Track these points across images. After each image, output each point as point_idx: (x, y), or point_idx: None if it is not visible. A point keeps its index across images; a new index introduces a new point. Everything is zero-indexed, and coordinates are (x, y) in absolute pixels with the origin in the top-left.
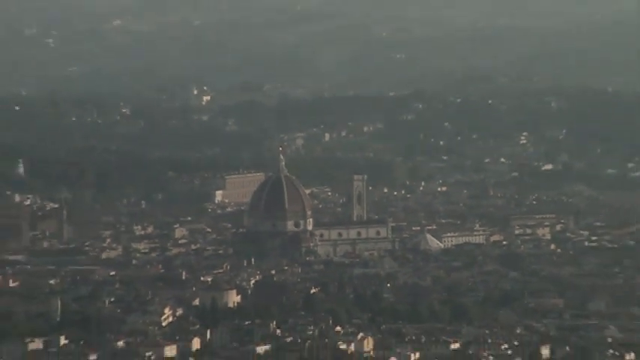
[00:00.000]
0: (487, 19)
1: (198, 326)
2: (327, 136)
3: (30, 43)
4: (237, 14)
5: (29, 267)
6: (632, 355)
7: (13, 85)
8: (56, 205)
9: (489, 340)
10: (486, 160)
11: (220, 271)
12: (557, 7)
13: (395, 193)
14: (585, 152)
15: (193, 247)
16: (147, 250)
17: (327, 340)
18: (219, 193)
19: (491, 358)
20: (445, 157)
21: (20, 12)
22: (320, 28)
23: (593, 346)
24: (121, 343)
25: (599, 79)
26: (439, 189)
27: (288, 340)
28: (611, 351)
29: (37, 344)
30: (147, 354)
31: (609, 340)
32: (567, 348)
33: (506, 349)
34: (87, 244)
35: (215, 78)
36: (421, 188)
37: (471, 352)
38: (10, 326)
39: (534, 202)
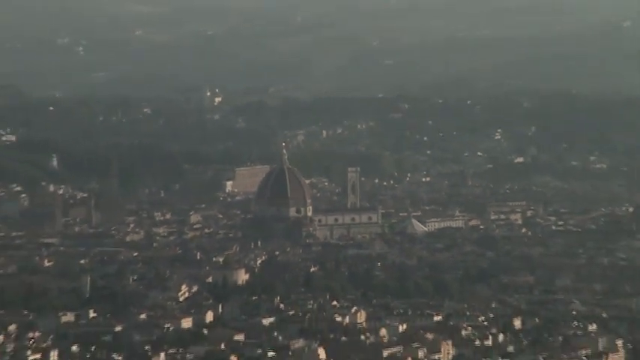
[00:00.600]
0: (466, 30)
1: (211, 301)
2: (324, 133)
3: (62, 51)
4: (245, 26)
5: (62, 248)
6: (594, 326)
7: (48, 88)
8: (86, 195)
9: (468, 313)
10: (465, 154)
11: (230, 252)
12: (527, 20)
13: (384, 183)
14: (552, 147)
15: (207, 231)
16: (166, 234)
17: (324, 313)
18: (229, 183)
19: (469, 329)
20: (428, 152)
21: (53, 24)
22: (318, 37)
23: (559, 318)
24: (143, 316)
25: (564, 83)
26: (423, 179)
27: (291, 313)
28: (575, 322)
29: (69, 317)
30: (165, 325)
31: (574, 312)
32: (536, 320)
33: (482, 320)
34: (113, 228)
35: (226, 82)
36: (407, 179)
37: (451, 323)
38: (45, 301)
39: (507, 191)
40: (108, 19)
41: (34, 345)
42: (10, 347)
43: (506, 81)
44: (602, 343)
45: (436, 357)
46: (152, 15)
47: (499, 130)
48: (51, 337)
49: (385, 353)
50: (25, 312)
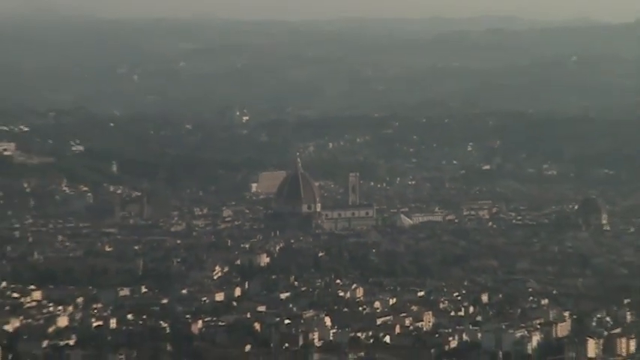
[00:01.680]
0: (443, 62)
1: (239, 279)
2: (330, 145)
3: (121, 79)
4: (266, 59)
5: (119, 237)
6: (546, 300)
7: (110, 108)
8: (139, 194)
9: (445, 290)
10: (443, 162)
11: (255, 240)
12: (493, 54)
13: (378, 185)
14: (513, 157)
15: (236, 223)
16: (203, 225)
17: (330, 289)
18: (254, 185)
19: (446, 302)
20: (414, 160)
21: (114, 58)
22: (324, 68)
23: (518, 294)
24: (184, 291)
25: (522, 105)
26: (409, 182)
27: (303, 289)
28: (531, 298)
29: (125, 292)
30: (202, 299)
31: (530, 290)
32: (500, 295)
33: (456, 296)
34: (160, 221)
35: (251, 103)
36: (397, 182)
37: (432, 297)
38: (106, 279)
39: (477, 192)
40: (158, 53)
41: (97, 314)
42: (78, 315)
43: (476, 103)
44: (552, 315)
45: (419, 324)
46: (193, 50)
47: (470, 143)
48: (110, 307)
49: (378, 321)
50: (90, 287)
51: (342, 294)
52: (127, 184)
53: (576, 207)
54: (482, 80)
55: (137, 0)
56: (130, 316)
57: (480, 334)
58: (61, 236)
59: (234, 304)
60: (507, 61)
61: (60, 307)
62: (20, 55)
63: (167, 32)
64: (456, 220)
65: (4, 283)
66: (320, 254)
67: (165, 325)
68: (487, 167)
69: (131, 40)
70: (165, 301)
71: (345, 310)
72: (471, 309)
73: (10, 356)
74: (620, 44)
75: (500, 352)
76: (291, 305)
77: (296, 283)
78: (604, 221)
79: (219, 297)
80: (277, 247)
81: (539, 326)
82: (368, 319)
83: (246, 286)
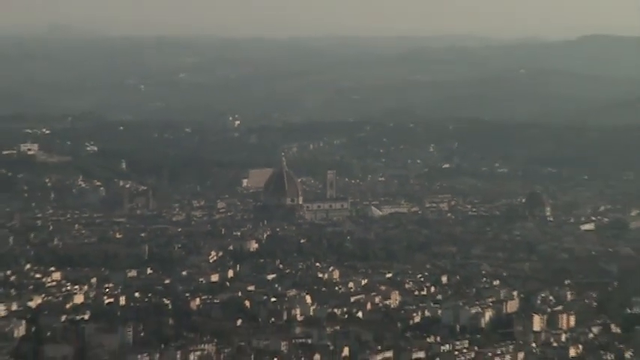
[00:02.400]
0: (410, 75)
1: (231, 262)
2: (311, 146)
3: (129, 88)
4: (256, 72)
5: (128, 225)
6: (498, 281)
7: (119, 114)
8: (145, 188)
9: (410, 272)
10: (408, 161)
11: (245, 228)
12: (452, 68)
13: (352, 181)
14: (469, 157)
15: (229, 214)
16: (200, 216)
17: (310, 271)
18: (245, 180)
19: (411, 283)
20: (383, 160)
21: (123, 70)
22: (308, 80)
23: (473, 276)
24: (184, 273)
25: (477, 113)
26: (379, 179)
27: (287, 271)
28: (484, 279)
29: (132, 273)
30: (200, 279)
31: (483, 272)
32: (457, 277)
33: (420, 277)
34: (164, 211)
35: (242, 110)
36: (368, 178)
37: (398, 279)
38: (116, 262)
39: (438, 188)
40: (161, 66)
41: (109, 292)
42: (92, 294)
43: (437, 111)
44: (502, 294)
45: (387, 302)
46: (192, 64)
47: (432, 145)
48: (120, 287)
49: (352, 299)
50: (102, 269)
51: (320, 275)
52: (135, 180)
53: (523, 200)
54: (443, 91)
55: (143, 19)
56: (137, 294)
57: (440, 311)
58: (77, 225)
59: (227, 284)
60: (465, 74)
61: (76, 287)
62: (42, 68)
63: (169, 48)
64: (420, 212)
65: (27, 266)
66: (302, 241)
67: (168, 302)
68: (447, 166)
69: (138, 55)
70: (167, 281)
71: (324, 289)
72: (432, 289)
73: (32, 329)
74: (563, 59)
75: (458, 326)
76: (276, 285)
77: (281, 266)
78: (547, 213)
79: (214, 278)
80: (265, 235)
81: (491, 304)
82: (343, 298)
83: (238, 268)
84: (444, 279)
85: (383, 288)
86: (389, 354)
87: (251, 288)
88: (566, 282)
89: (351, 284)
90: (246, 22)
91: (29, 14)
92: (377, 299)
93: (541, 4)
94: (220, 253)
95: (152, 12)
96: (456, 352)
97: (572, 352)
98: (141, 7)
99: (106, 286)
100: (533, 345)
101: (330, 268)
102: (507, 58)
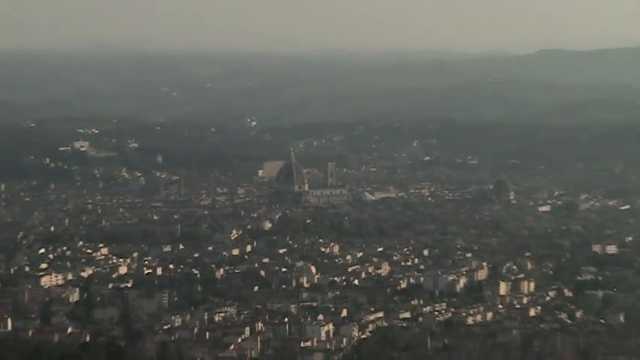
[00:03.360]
0: (397, 83)
1: (249, 239)
2: (315, 143)
3: (164, 95)
4: (269, 81)
5: (164, 209)
6: (470, 254)
7: (156, 116)
8: (177, 178)
9: (397, 246)
10: (396, 155)
11: (261, 211)
12: (430, 77)
13: (349, 171)
14: (445, 151)
15: (247, 198)
16: (223, 200)
17: (314, 246)
18: (260, 171)
19: (398, 255)
20: (375, 153)
21: (159, 79)
22: (312, 88)
23: (450, 249)
24: (210, 248)
25: (454, 113)
26: (372, 169)
27: (295, 246)
28: (459, 252)
29: (167, 248)
30: (223, 253)
31: (458, 246)
32: (436, 250)
33: (405, 251)
34: (193, 197)
35: (258, 113)
36: (363, 169)
37: (388, 252)
38: (154, 239)
39: (420, 176)
40: (191, 76)
41: (147, 264)
42: (134, 266)
43: (420, 113)
44: (474, 264)
45: (379, 271)
46: (216, 74)
47: (416, 141)
48: (157, 260)
49: (349, 269)
50: (142, 245)
51: (323, 250)
52: (169, 171)
53: (491, 187)
54: (424, 96)
55: (175, 36)
56: (171, 266)
57: (422, 278)
58: (121, 208)
59: (246, 257)
60: (442, 83)
61: (121, 260)
62: (91, 79)
63: (197, 61)
64: (405, 196)
65: (80, 242)
66: (307, 221)
67: (196, 272)
68: (427, 158)
69: (171, 68)
70: (196, 255)
71: (326, 261)
72: (416, 260)
73: (85, 295)
74: (523, 70)
75: (437, 291)
76: (286, 258)
77: (290, 242)
78: (511, 197)
79: (235, 252)
80: (277, 216)
81: (464, 272)
82: (342, 268)
83: (255, 244)
84: (426, 252)
85: (375, 260)
86: (380, 314)
87: (265, 260)
88: (527, 254)
89: (348, 257)
90: (259, 39)
91: (81, 33)
92: (370, 269)
93: (506, 23)
94: (240, 232)
95: (183, 31)
96: (436, 313)
97: (532, 312)
98: (173, 27)
99: (145, 259)
100: (500, 306)
101: (331, 244)
102: (478, 69)
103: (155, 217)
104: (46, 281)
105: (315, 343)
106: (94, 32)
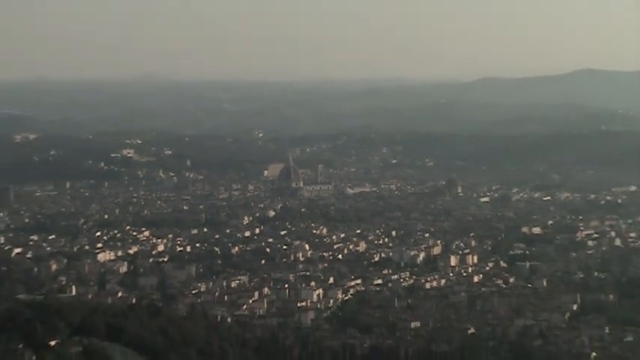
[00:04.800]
0: (371, 104)
1: (258, 224)
2: (308, 150)
3: (191, 114)
4: (271, 103)
5: (192, 201)
6: (428, 235)
7: (185, 130)
8: (202, 177)
9: (371, 229)
10: (370, 159)
11: (266, 202)
12: (398, 97)
13: (334, 171)
14: (409, 156)
15: (255, 193)
16: (237, 194)
17: (308, 229)
18: (266, 172)
19: (372, 235)
20: (354, 157)
21: (187, 102)
22: (305, 108)
23: (412, 231)
24: (227, 231)
25: (416, 127)
26: (352, 170)
27: (293, 229)
28: (419, 233)
29: (195, 231)
30: (238, 235)
31: (418, 229)
32: (402, 232)
33: (378, 232)
34: (214, 192)
35: (264, 127)
36: (344, 169)
37: (364, 233)
38: (184, 224)
39: (389, 175)
40: (211, 99)
41: (179, 243)
42: (169, 245)
43: (389, 127)
44: (431, 242)
45: (358, 248)
46: (230, 98)
47: (385, 149)
48: (187, 240)
49: (335, 247)
50: (175, 229)
51: (315, 232)
52: (195, 172)
53: (443, 183)
54: (393, 114)
55: (199, 69)
56: (197, 245)
57: (391, 253)
58: (159, 201)
59: (255, 237)
60: (406, 104)
61: (159, 240)
62: (135, 101)
63: (217, 87)
64: (377, 191)
65: (128, 227)
66: (302, 210)
67: (217, 249)
68: (394, 161)
69: (197, 93)
70: (217, 236)
71: (317, 240)
72: (386, 239)
73: (131, 267)
74: (467, 93)
75: (402, 263)
76: (286, 238)
77: (289, 225)
78: (459, 191)
79: (247, 234)
80: (279, 206)
81: (423, 248)
82: (329, 245)
83: (262, 228)
84: (393, 233)
85: (354, 239)
86: (358, 281)
87: (270, 240)
88: (471, 234)
89: (334, 237)
90: (262, 71)
91: (127, 67)
92: (351, 246)
93: (453, 56)
94: (250, 218)
95: (205, 65)
96: (401, 280)
97: (475, 279)
98: (198, 62)
99: (178, 239)
100: (451, 274)
101: (321, 227)
102: (432, 92)
103: (185, 207)
104: (101, 257)
105: (308, 304)
106: (138, 65)
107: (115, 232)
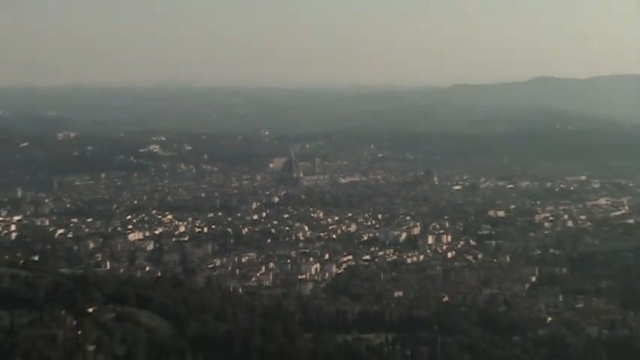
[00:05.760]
0: (360, 107)
1: (264, 209)
2: (307, 146)
3: (207, 116)
4: (275, 106)
5: (208, 189)
6: (408, 217)
7: (202, 129)
8: (216, 169)
9: (361, 212)
10: (360, 153)
11: (272, 190)
12: (384, 103)
13: (329, 164)
14: (393, 150)
15: (263, 182)
16: (247, 184)
17: (307, 212)
18: (271, 164)
19: (362, 218)
20: (346, 152)
21: (204, 105)
22: (304, 111)
23: (395, 214)
24: (239, 215)
25: (398, 126)
26: (344, 163)
27: (294, 213)
28: (401, 216)
29: (211, 215)
30: (247, 218)
31: (401, 212)
32: (387, 215)
33: (366, 215)
34: (227, 182)
35: (269, 127)
36: (338, 162)
37: (355, 216)
38: (202, 209)
39: (376, 167)
40: (224, 103)
41: (197, 225)
42: (189, 226)
43: (376, 126)
44: (411, 224)
45: (350, 229)
46: (240, 102)
47: (372, 144)
48: (204, 222)
49: (330, 227)
50: (194, 212)
51: (313, 215)
52: (210, 164)
53: (422, 173)
54: (380, 115)
55: (214, 76)
56: (213, 226)
57: (377, 233)
58: (180, 189)
59: (262, 220)
60: (392, 106)
61: (180, 222)
62: (159, 105)
63: (228, 93)
64: (366, 180)
65: (154, 211)
66: (302, 197)
67: (230, 230)
68: (381, 155)
69: (212, 97)
70: (229, 219)
71: (314, 222)
72: (373, 221)
73: (157, 245)
74: (442, 98)
75: (387, 242)
76: (289, 220)
77: (291, 210)
78: (435, 180)
79: (255, 217)
80: (282, 194)
81: (405, 229)
82: (325, 227)
83: (268, 212)
84: (380, 216)
85: (346, 221)
86: (350, 257)
87: (275, 222)
88: (445, 217)
89: (329, 219)
90: (267, 78)
91: (151, 74)
92: (343, 227)
93: (431, 66)
94: (258, 204)
95: (219, 73)
96: (386, 256)
97: (449, 255)
98: (213, 70)
99: (197, 222)
100: (428, 251)
101: (318, 211)
102: (413, 97)
103: (202, 195)
104: (131, 237)
105: (307, 276)
106: (161, 74)
107: (143, 215)
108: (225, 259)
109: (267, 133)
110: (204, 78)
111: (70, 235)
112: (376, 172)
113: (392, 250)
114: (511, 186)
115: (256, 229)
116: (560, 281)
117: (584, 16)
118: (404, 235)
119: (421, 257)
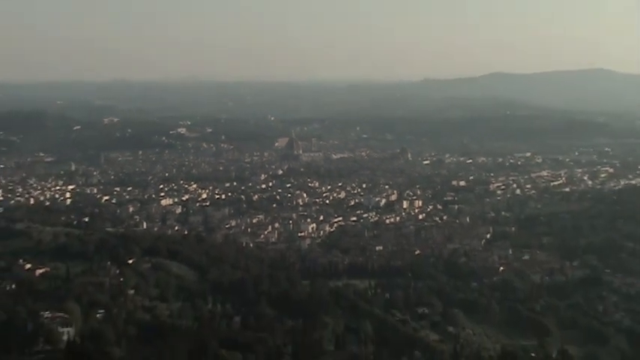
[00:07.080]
0: (351, 98)
1: (271, 179)
2: (305, 128)
3: (224, 104)
4: (277, 96)
5: (225, 163)
6: (387, 186)
7: (221, 115)
8: (231, 147)
9: (349, 183)
10: (347, 134)
11: (277, 164)
12: (367, 98)
13: (323, 143)
14: (375, 133)
15: (269, 158)
16: (257, 159)
17: (305, 182)
18: (276, 143)
19: (349, 188)
20: (337, 134)
21: (220, 95)
22: (301, 100)
23: (376, 183)
24: (249, 184)
25: (378, 113)
26: (335, 142)
27: (295, 183)
28: (381, 184)
29: (227, 184)
30: (257, 187)
31: (381, 182)
32: (370, 184)
33: (353, 184)
34: (241, 157)
35: (274, 113)
36: (330, 142)
37: (345, 185)
38: (220, 180)
39: (360, 145)
40: (238, 94)
41: (217, 192)
42: (210, 194)
43: (361, 112)
44: (390, 192)
45: (340, 196)
46: (250, 93)
47: (358, 127)
48: (222, 190)
49: (323, 195)
50: (214, 182)
51: (310, 185)
52: (227, 143)
53: (398, 151)
54: (363, 104)
55: (230, 72)
56: (229, 194)
57: (362, 199)
58: (203, 163)
59: (269, 189)
60: (374, 97)
61: (203, 190)
62: (185, 96)
63: (241, 86)
64: (353, 156)
65: (181, 181)
66: (301, 169)
67: (243, 197)
68: (365, 136)
69: (229, 90)
70: (242, 187)
71: (311, 190)
72: (359, 189)
73: (184, 209)
74: (414, 90)
75: (370, 206)
76: (291, 189)
77: (292, 180)
78: (409, 156)
79: (263, 186)
80: (285, 167)
81: (384, 196)
82: (319, 194)
83: (274, 182)
84: (364, 185)
85: (337, 189)
86: (340, 218)
87: (279, 190)
88: (417, 186)
89: (323, 188)
90: (273, 74)
91: (178, 70)
92: (335, 194)
93: (404, 63)
94: (266, 176)
95: (234, 69)
96: (369, 218)
97: (420, 217)
98: (230, 66)
99: (216, 190)
100: (403, 214)
101: (314, 181)
102: (391, 89)
103: (220, 168)
104: (163, 202)
105: (305, 234)
106: (187, 70)
107: (173, 185)
108: (239, 220)
109: (272, 118)
110: (222, 73)
111: (113, 201)
112: (361, 149)
113: (374, 213)
114: (470, 161)
115: (264, 196)
116: (510, 238)
117: (535, 17)
118: (384, 201)
119: (397, 218)
